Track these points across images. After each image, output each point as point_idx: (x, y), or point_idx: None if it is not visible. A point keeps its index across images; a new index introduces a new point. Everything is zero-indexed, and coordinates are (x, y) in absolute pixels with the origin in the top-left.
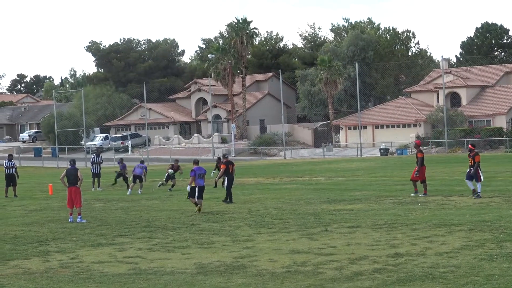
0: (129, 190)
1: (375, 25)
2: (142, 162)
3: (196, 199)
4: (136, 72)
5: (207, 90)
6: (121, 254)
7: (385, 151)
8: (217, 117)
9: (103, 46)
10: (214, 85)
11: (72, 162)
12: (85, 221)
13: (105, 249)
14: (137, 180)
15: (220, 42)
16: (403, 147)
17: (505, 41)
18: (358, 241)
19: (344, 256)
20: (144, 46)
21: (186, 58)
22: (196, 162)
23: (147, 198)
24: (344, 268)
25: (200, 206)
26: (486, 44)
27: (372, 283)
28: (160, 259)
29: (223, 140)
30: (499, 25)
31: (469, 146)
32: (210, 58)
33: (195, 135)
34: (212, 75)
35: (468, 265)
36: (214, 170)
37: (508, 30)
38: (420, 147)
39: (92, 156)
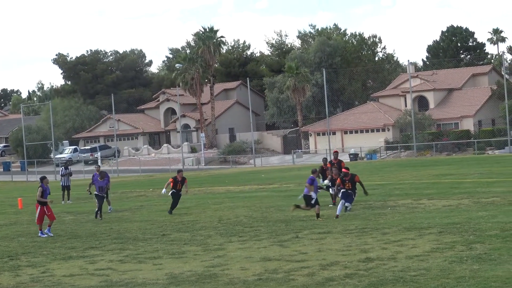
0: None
1: (342, 31)
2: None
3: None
4: (104, 83)
5: (175, 99)
6: (92, 266)
7: (354, 156)
8: (186, 126)
9: (70, 58)
10: (182, 95)
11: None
12: (51, 235)
13: (76, 262)
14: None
15: (188, 51)
16: (372, 152)
17: (470, 44)
18: (329, 247)
19: (315, 262)
20: (111, 57)
21: (153, 68)
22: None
23: (117, 209)
24: (315, 274)
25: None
26: (452, 47)
27: None
28: (131, 270)
29: (193, 150)
30: (464, 28)
31: (343, 170)
32: (177, 67)
33: (165, 145)
34: (180, 84)
35: (438, 267)
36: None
37: (473, 33)
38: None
39: (61, 168)
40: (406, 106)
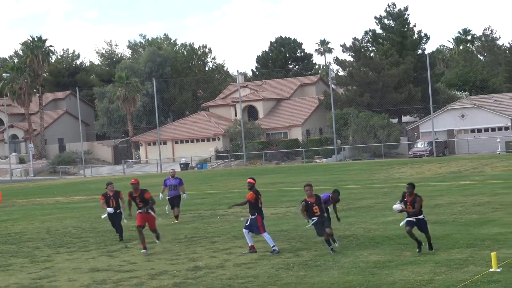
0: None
1: (172, 41)
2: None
3: None
4: None
5: (2, 110)
6: None
7: (185, 166)
8: (14, 137)
9: None
10: (10, 105)
11: None
12: None
13: None
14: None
15: (15, 61)
16: (203, 161)
17: (298, 54)
18: (158, 256)
19: (144, 272)
20: None
21: None
22: None
23: None
24: (144, 284)
25: None
26: (280, 58)
27: None
28: None
29: (21, 160)
30: (292, 39)
31: (248, 180)
32: (5, 77)
33: None
34: (8, 94)
35: (266, 274)
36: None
37: (301, 44)
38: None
39: None
40: (236, 115)
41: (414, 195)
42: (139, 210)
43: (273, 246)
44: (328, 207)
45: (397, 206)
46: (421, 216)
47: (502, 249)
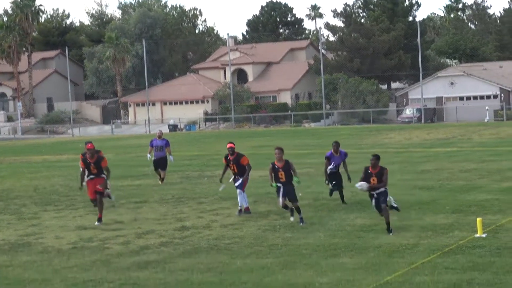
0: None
1: (163, 2)
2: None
3: None
4: None
5: None
6: None
7: (173, 127)
8: (2, 95)
9: None
10: None
11: None
12: None
13: None
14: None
15: (5, 19)
16: (191, 123)
17: (289, 19)
18: (145, 216)
19: (131, 231)
20: None
21: None
22: None
23: None
24: (130, 242)
25: None
26: (271, 22)
27: (158, 256)
28: None
29: (9, 119)
30: (283, 3)
31: (228, 145)
32: None
33: None
34: None
35: (252, 236)
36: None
37: (292, 9)
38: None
39: None
40: (225, 78)
41: (379, 167)
42: (91, 176)
43: (247, 206)
44: (340, 165)
45: (363, 183)
46: (382, 189)
47: (487, 215)
